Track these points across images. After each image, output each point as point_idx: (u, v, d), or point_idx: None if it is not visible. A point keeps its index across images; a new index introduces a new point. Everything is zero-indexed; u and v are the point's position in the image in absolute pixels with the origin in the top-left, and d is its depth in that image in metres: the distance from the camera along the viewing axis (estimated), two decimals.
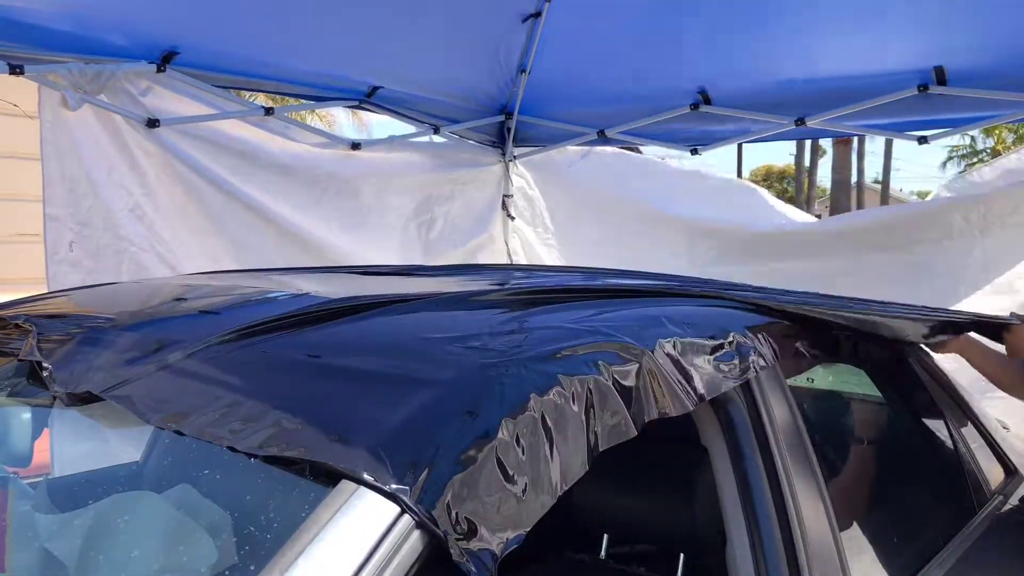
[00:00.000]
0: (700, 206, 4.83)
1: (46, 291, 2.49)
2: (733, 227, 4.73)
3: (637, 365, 1.32)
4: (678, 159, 6.09)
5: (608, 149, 5.08)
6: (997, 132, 30.80)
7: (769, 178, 54.56)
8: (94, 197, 3.28)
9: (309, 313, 1.51)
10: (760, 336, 1.63)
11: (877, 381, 2.39)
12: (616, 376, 1.28)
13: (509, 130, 4.95)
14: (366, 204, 4.33)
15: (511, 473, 1.08)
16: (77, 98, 3.18)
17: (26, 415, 1.67)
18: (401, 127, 4.62)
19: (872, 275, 4.24)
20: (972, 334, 2.45)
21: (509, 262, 4.96)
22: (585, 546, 2.28)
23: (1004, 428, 2.71)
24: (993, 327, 2.46)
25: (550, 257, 5.02)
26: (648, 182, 4.98)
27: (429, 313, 1.64)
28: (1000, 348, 2.46)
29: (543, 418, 1.15)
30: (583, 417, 1.20)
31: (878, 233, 4.34)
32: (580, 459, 1.17)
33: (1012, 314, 2.50)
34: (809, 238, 4.60)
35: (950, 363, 2.53)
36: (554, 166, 5.10)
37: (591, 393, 1.22)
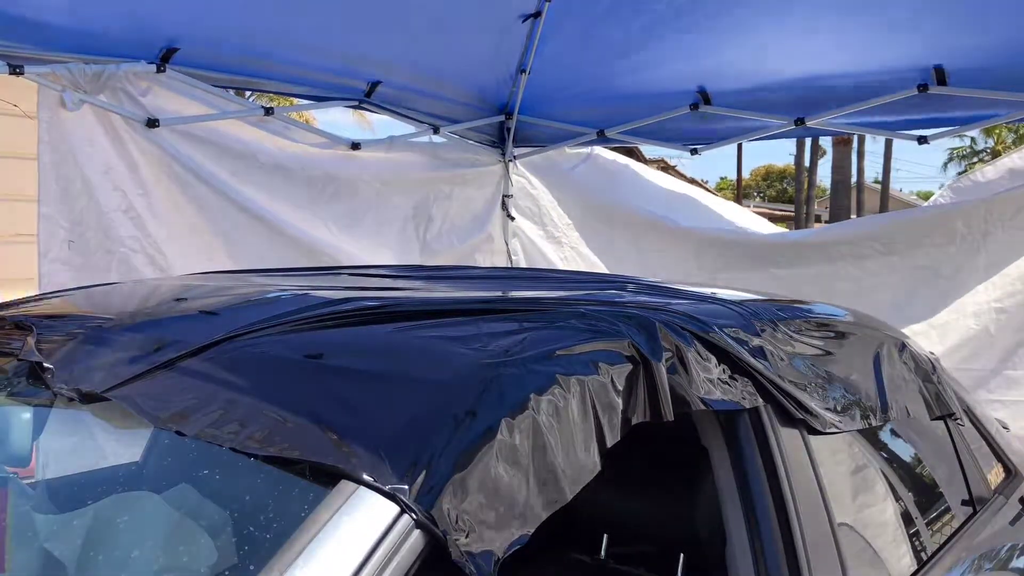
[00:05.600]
0: (700, 214, 4.86)
1: (40, 291, 2.48)
2: (739, 234, 4.75)
3: (635, 365, 1.32)
4: (678, 159, 6.10)
5: (608, 154, 5.08)
6: (997, 132, 30.83)
7: (769, 178, 54.47)
8: (88, 197, 3.26)
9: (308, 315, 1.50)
10: None
11: None
12: (614, 376, 1.27)
13: (509, 130, 4.95)
14: (364, 204, 4.32)
15: (511, 473, 1.08)
16: (76, 98, 3.18)
17: (26, 415, 1.66)
18: (401, 127, 4.62)
19: (875, 280, 4.26)
20: None
21: (509, 262, 4.96)
22: (585, 546, 2.28)
23: (1004, 428, 2.70)
24: None
25: (554, 256, 5.02)
26: (646, 190, 5.00)
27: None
28: None
29: (543, 418, 1.15)
30: (583, 417, 1.20)
31: (881, 238, 4.35)
32: (586, 459, 1.17)
33: None
34: (812, 244, 4.61)
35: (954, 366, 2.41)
36: (555, 167, 5.10)
37: (590, 393, 1.22)
